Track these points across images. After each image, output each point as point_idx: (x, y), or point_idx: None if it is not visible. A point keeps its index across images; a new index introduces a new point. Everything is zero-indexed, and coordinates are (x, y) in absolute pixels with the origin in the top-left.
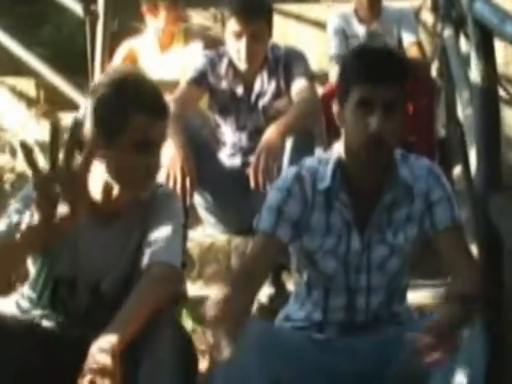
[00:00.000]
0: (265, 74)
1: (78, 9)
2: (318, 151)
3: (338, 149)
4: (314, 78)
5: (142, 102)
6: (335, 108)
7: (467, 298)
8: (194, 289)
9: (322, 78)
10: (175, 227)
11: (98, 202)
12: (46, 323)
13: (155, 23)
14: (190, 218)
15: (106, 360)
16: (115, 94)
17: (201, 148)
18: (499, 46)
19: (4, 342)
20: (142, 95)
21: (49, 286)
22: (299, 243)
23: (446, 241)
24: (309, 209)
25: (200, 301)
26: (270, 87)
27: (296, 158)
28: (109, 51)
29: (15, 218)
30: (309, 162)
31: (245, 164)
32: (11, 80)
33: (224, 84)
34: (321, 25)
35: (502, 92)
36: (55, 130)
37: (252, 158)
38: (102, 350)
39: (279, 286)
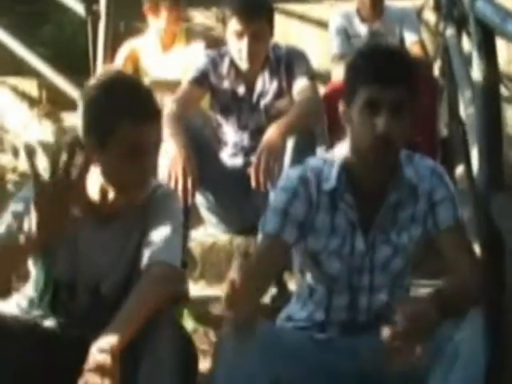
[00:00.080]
0: (266, 74)
1: (79, 8)
2: (320, 151)
3: (343, 149)
4: (315, 77)
5: (129, 107)
6: (341, 108)
7: (443, 299)
8: (195, 289)
9: (324, 77)
10: (175, 227)
11: (96, 203)
12: (46, 323)
13: (157, 23)
14: (191, 218)
15: (105, 360)
16: (102, 100)
17: (202, 148)
18: (501, 44)
19: (4, 342)
20: (130, 101)
21: (49, 288)
22: (304, 244)
23: (449, 240)
24: (314, 209)
25: (202, 301)
26: (272, 87)
27: (297, 157)
28: (111, 51)
29: (15, 221)
30: (313, 162)
31: (246, 164)
32: (13, 80)
33: (226, 84)
34: (323, 24)
35: (504, 91)
36: (72, 149)
37: (254, 158)
38: (101, 350)
39: (281, 285)
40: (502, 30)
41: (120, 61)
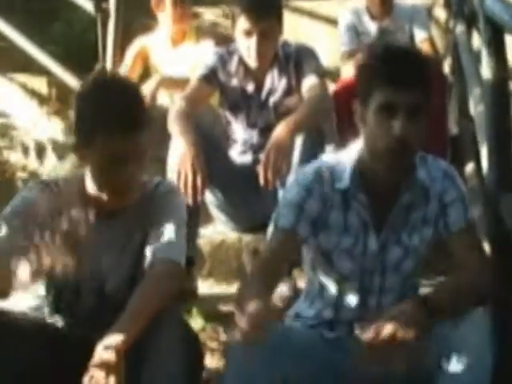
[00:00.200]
0: (275, 71)
1: (89, 6)
2: (329, 148)
3: (357, 148)
4: (324, 74)
5: (104, 121)
6: (355, 108)
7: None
8: (204, 286)
9: (334, 74)
10: (178, 223)
11: (95, 202)
12: (55, 322)
13: (164, 19)
14: (200, 216)
15: (110, 357)
16: (83, 109)
17: (212, 145)
18: (510, 42)
19: (15, 341)
20: (107, 114)
21: (52, 290)
22: (316, 241)
23: (460, 242)
24: (327, 207)
25: (210, 298)
26: (281, 84)
27: (306, 155)
28: (121, 49)
29: (16, 221)
30: (327, 159)
31: (255, 161)
32: (23, 78)
33: (234, 81)
34: (332, 21)
35: None
36: None
37: (262, 156)
38: (107, 347)
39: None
40: (511, 28)
41: (130, 58)
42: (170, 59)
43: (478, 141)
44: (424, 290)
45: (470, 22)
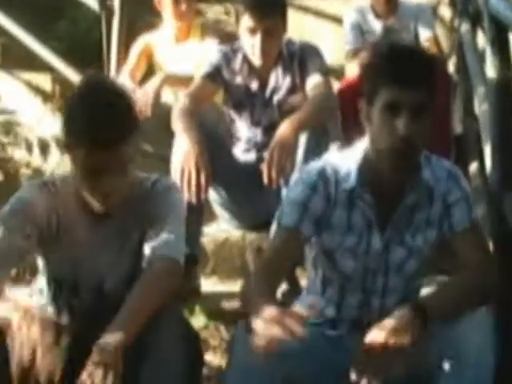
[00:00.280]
0: (279, 70)
1: (93, 4)
2: (333, 147)
3: (363, 147)
4: (329, 73)
5: (85, 135)
6: (360, 106)
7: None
8: (207, 284)
9: (339, 72)
10: (176, 220)
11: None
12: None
13: (167, 17)
14: (204, 214)
15: (108, 356)
16: (67, 114)
17: (216, 143)
18: None
19: None
20: (88, 126)
21: (52, 289)
22: (319, 240)
23: (464, 242)
24: (331, 206)
25: (214, 296)
26: (285, 82)
27: (310, 153)
28: (125, 46)
29: (12, 221)
30: (332, 157)
31: (259, 159)
32: (27, 75)
33: (239, 79)
34: (337, 19)
35: None
36: None
37: (266, 154)
38: (105, 346)
39: (293, 282)
40: None
41: (134, 56)
42: (174, 56)
43: (482, 140)
44: (427, 291)
45: (475, 21)
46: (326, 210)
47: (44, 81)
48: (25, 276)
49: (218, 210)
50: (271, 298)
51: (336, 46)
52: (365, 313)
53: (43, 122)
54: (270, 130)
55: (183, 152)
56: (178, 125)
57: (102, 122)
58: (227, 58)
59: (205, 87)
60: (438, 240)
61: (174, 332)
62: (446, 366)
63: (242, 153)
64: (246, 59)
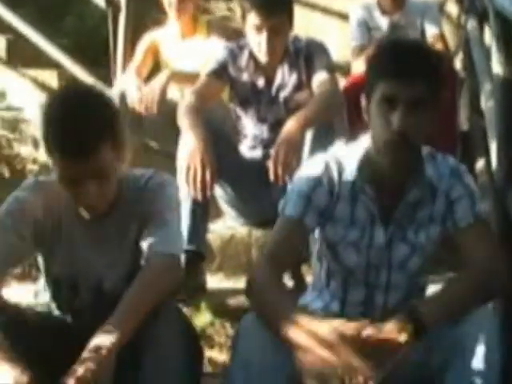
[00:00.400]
0: (286, 66)
1: (100, 0)
2: (339, 144)
3: (366, 142)
4: (335, 70)
5: (60, 144)
6: (363, 102)
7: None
8: (213, 281)
9: (345, 69)
10: (172, 214)
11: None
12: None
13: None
14: (210, 211)
15: (101, 355)
16: (45, 129)
17: (222, 140)
18: None
19: (20, 332)
20: (63, 135)
21: (51, 286)
22: (322, 233)
23: (469, 237)
24: (334, 199)
25: (219, 293)
26: (291, 79)
27: (316, 150)
28: (132, 43)
29: (8, 219)
30: (335, 151)
31: (265, 156)
32: (33, 71)
33: (245, 76)
34: (344, 16)
35: None
36: None
37: (272, 151)
38: (99, 344)
39: (299, 279)
40: None
41: (140, 53)
42: (180, 53)
43: (488, 136)
44: (433, 288)
45: (482, 18)
46: (330, 202)
47: (50, 77)
48: (31, 273)
49: (224, 206)
50: (289, 297)
51: (342, 43)
52: (368, 310)
53: None
54: (276, 126)
55: (189, 149)
56: (184, 122)
57: (73, 131)
58: (233, 55)
59: (211, 84)
60: (442, 237)
61: (173, 329)
62: (452, 365)
63: (248, 150)
64: (252, 56)
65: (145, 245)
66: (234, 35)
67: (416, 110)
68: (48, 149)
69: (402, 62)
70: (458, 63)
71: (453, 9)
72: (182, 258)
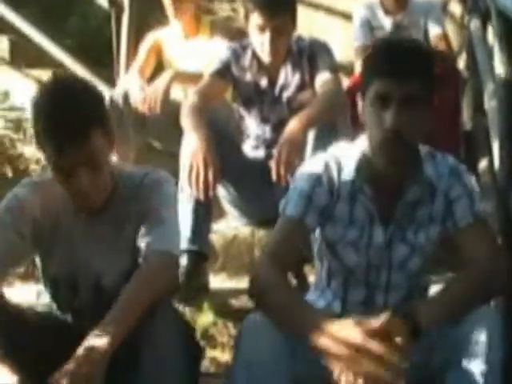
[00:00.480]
0: (289, 66)
1: (103, 1)
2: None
3: (363, 142)
4: (338, 69)
5: (51, 133)
6: (359, 102)
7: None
8: (216, 281)
9: (348, 69)
10: (169, 211)
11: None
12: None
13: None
14: (213, 210)
15: (95, 354)
16: (35, 120)
17: (226, 140)
18: None
19: (21, 331)
20: (53, 124)
21: (49, 286)
22: (322, 232)
23: (469, 237)
24: (334, 198)
25: (222, 293)
26: (294, 79)
27: (318, 150)
28: (136, 43)
29: (7, 216)
30: (334, 151)
31: (268, 156)
32: (36, 72)
33: (248, 76)
34: (347, 16)
35: None
36: None
37: (275, 151)
38: (94, 342)
39: (301, 279)
40: None
41: (143, 53)
42: (183, 53)
43: (491, 136)
44: (434, 288)
45: (485, 18)
46: (330, 202)
47: None
48: (34, 273)
49: (226, 206)
50: (300, 296)
51: (345, 43)
52: (369, 310)
53: None
54: (278, 126)
55: (192, 149)
56: (187, 122)
57: (60, 120)
58: (236, 55)
59: (214, 84)
60: (441, 237)
61: (170, 328)
62: (453, 364)
63: (251, 149)
64: (255, 56)
65: (142, 243)
66: (238, 35)
67: (409, 108)
68: (39, 142)
69: (395, 61)
70: (461, 63)
71: (456, 9)
72: (185, 258)
